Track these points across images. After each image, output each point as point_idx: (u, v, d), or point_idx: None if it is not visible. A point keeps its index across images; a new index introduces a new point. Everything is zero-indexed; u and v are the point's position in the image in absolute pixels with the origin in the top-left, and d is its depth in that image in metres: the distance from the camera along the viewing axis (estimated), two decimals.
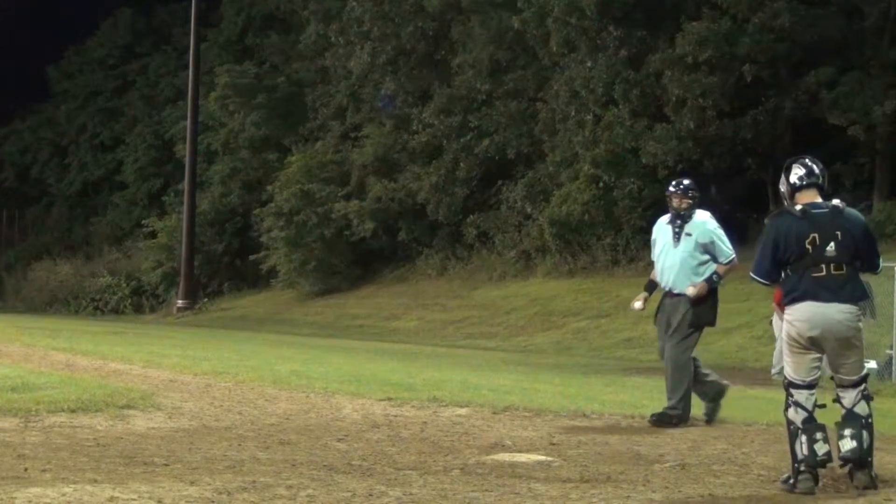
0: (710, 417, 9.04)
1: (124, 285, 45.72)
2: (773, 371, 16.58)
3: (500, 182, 33.38)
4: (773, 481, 6.39)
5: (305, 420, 8.56)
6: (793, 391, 6.18)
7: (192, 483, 5.63)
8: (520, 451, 7.17)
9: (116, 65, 58.54)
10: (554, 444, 7.57)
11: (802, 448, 6.03)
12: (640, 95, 27.73)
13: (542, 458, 6.94)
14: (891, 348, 14.03)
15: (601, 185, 28.56)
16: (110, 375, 11.66)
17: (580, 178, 29.07)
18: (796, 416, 6.14)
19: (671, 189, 9.22)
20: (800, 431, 6.07)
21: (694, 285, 8.90)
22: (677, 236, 9.08)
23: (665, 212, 9.42)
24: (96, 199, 57.77)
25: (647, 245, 33.29)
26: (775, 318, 16.72)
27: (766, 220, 6.46)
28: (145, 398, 9.11)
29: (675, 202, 9.11)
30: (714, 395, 9.07)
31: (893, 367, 14.70)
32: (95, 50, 59.53)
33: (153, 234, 45.69)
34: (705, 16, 26.26)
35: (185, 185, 42.02)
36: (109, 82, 58.32)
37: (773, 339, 18.06)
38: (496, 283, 31.92)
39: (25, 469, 5.87)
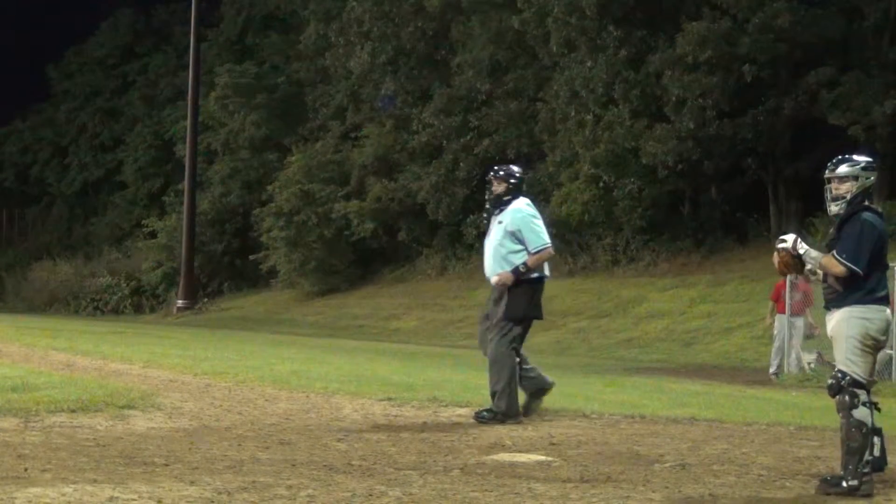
0: (527, 410, 8.75)
1: (124, 285, 45.75)
2: (772, 370, 16.58)
3: None
4: (774, 481, 6.38)
5: (305, 420, 8.55)
6: (859, 392, 5.99)
7: (192, 483, 5.63)
8: (520, 451, 7.17)
9: (116, 65, 58.59)
10: (554, 444, 7.57)
11: (875, 449, 5.94)
12: (640, 95, 27.74)
13: (542, 458, 6.94)
14: (891, 348, 14.02)
15: (601, 185, 28.58)
16: (110, 375, 11.66)
17: (580, 178, 29.08)
18: (868, 416, 5.97)
19: (490, 174, 8.90)
20: (871, 434, 5.95)
21: (498, 274, 8.54)
22: (489, 223, 8.77)
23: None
24: (96, 199, 57.81)
25: (647, 245, 33.23)
26: (777, 318, 16.71)
27: (863, 214, 6.11)
28: (145, 398, 9.10)
29: (493, 187, 8.77)
30: (535, 391, 8.78)
31: (893, 367, 14.70)
32: (95, 50, 59.58)
33: (153, 234, 45.72)
34: (705, 16, 26.26)
35: (185, 185, 42.04)
36: (109, 82, 58.37)
37: (773, 339, 18.08)
38: None
39: (25, 469, 5.87)
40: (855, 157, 6.34)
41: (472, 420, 8.64)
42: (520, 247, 8.54)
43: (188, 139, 42.28)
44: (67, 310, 46.57)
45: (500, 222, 8.63)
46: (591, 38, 28.71)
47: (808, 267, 6.25)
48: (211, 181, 45.64)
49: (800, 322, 16.30)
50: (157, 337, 22.39)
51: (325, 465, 6.40)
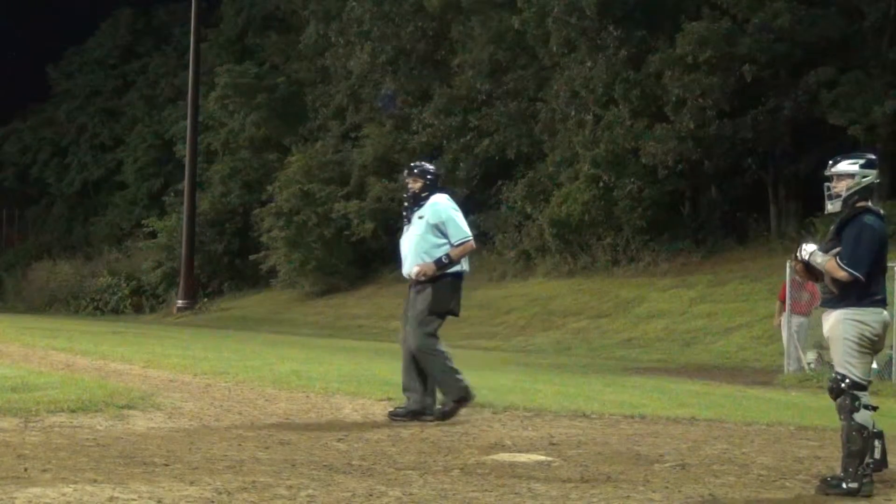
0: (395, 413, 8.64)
1: (124, 285, 45.72)
2: (796, 366, 16.41)
3: (500, 182, 33.38)
4: (774, 481, 6.38)
5: (305, 420, 8.56)
6: (860, 394, 5.98)
7: (192, 483, 5.63)
8: (520, 451, 7.17)
9: (116, 65, 58.57)
10: (554, 444, 7.57)
11: (875, 452, 5.95)
12: (640, 95, 27.74)
13: (542, 458, 6.94)
14: (890, 348, 14.02)
15: (601, 185, 28.58)
16: (110, 375, 11.66)
17: (580, 178, 29.07)
18: (869, 419, 5.97)
19: (406, 171, 8.94)
20: (873, 436, 5.96)
21: (419, 265, 8.51)
22: (409, 220, 8.71)
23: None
24: (96, 199, 57.78)
25: (647, 245, 33.15)
26: (785, 318, 16.64)
27: (864, 217, 6.08)
28: (145, 398, 9.11)
29: (409, 184, 8.78)
30: (417, 408, 8.61)
31: (893, 367, 14.70)
32: (95, 50, 59.56)
33: (153, 234, 45.70)
34: (705, 16, 26.27)
35: (185, 185, 42.01)
36: (109, 82, 58.34)
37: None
38: (496, 283, 31.92)
39: (25, 469, 5.87)
40: (855, 154, 6.30)
41: (471, 420, 8.64)
42: (443, 240, 8.53)
43: (188, 139, 42.24)
44: (67, 310, 46.53)
45: (420, 217, 8.61)
46: (591, 38, 28.72)
47: (819, 262, 6.24)
48: (211, 181, 45.62)
49: (804, 321, 16.25)
50: (157, 337, 22.38)
51: (325, 465, 6.41)
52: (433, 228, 8.52)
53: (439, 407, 8.60)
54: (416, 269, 8.55)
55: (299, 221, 37.73)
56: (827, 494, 5.91)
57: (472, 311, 29.77)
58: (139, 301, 45.24)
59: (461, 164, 34.34)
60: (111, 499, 5.15)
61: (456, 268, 8.59)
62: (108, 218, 55.20)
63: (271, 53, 47.14)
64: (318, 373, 12.60)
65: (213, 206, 44.32)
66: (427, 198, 8.67)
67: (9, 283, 54.55)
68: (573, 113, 29.67)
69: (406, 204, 8.84)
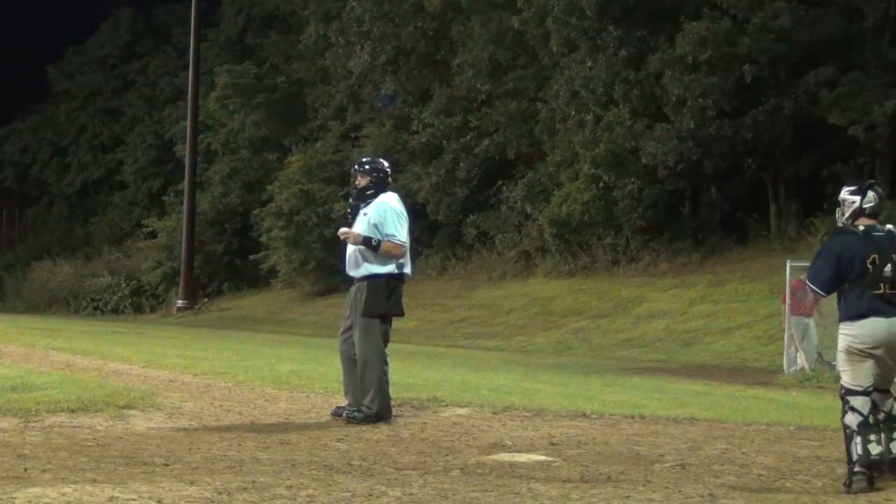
0: (339, 411, 8.60)
1: (124, 285, 45.69)
2: (794, 368, 16.40)
3: (500, 182, 33.38)
4: (774, 481, 6.39)
5: (305, 420, 8.56)
6: (850, 398, 6.36)
7: (192, 483, 5.63)
8: (520, 451, 7.17)
9: (116, 65, 58.55)
10: (554, 444, 7.57)
11: (857, 449, 6.21)
12: (640, 95, 27.73)
13: (542, 458, 6.94)
14: None
15: (601, 185, 28.57)
16: (110, 375, 11.66)
17: (580, 178, 29.07)
18: (853, 420, 6.31)
19: (356, 167, 8.77)
20: (855, 434, 6.25)
21: (349, 231, 8.44)
22: (354, 216, 8.63)
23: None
24: (96, 199, 57.77)
25: (647, 245, 33.12)
26: (786, 318, 16.63)
27: (824, 237, 6.76)
28: (145, 398, 9.11)
29: (356, 180, 8.66)
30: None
31: None
32: (95, 50, 59.53)
33: (153, 234, 45.69)
34: (705, 16, 26.25)
35: (185, 185, 42.00)
36: (109, 82, 58.31)
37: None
38: (496, 283, 31.91)
39: (25, 469, 5.87)
40: (851, 182, 6.77)
41: (471, 420, 8.63)
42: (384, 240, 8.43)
43: (188, 139, 42.23)
44: (67, 310, 46.52)
45: (364, 214, 8.52)
46: (591, 38, 28.70)
47: None
48: (211, 181, 45.59)
49: (809, 322, 16.24)
50: (157, 337, 22.39)
51: (325, 465, 6.41)
52: (373, 228, 8.41)
53: (352, 408, 8.47)
54: (343, 230, 8.51)
55: (299, 221, 37.71)
56: (846, 492, 6.12)
57: (472, 311, 29.82)
58: (139, 301, 45.23)
59: (461, 164, 34.33)
60: (111, 499, 5.15)
61: (391, 269, 8.46)
62: (108, 218, 55.19)
63: (271, 53, 47.13)
64: (318, 373, 12.60)
65: (213, 206, 44.29)
66: (374, 195, 8.56)
67: (9, 283, 54.49)
68: (573, 113, 29.64)
69: (352, 200, 8.71)
